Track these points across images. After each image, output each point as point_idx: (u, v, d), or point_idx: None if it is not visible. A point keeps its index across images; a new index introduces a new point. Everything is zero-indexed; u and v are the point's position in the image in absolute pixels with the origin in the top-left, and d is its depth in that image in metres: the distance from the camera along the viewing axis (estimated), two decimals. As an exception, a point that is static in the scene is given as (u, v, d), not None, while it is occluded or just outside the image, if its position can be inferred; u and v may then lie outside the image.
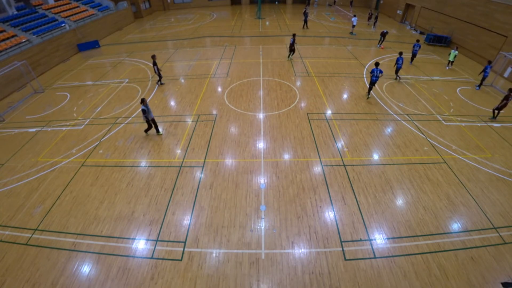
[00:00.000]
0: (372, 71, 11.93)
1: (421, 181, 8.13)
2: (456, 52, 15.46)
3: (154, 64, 13.37)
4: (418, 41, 15.88)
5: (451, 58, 15.68)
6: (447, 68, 16.14)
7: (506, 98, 10.39)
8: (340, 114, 11.48)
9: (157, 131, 10.40)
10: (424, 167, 8.66)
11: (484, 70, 13.07)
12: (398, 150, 9.40)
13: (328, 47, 19.58)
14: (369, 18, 26.38)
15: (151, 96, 13.24)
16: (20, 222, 7.22)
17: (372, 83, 12.14)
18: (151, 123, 10.07)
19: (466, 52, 18.31)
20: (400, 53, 13.60)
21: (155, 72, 13.73)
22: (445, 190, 7.82)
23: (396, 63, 13.70)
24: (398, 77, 14.41)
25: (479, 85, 13.64)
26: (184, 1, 37.39)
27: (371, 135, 10.14)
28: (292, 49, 16.59)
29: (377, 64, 11.90)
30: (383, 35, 19.10)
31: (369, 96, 12.66)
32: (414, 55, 16.20)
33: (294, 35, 16.24)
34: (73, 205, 7.65)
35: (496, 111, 10.97)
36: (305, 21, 24.54)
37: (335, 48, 19.29)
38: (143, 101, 9.50)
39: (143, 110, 9.51)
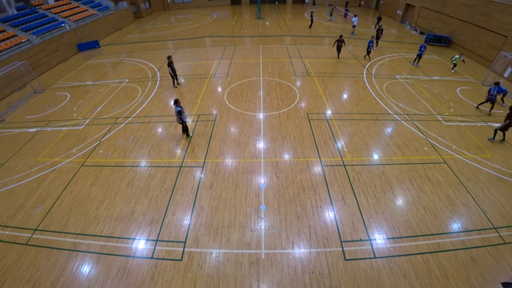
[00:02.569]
0: (489, 90, 11.01)
1: (421, 181, 8.13)
2: (460, 57, 14.97)
3: (169, 65, 13.07)
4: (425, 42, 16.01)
5: (455, 62, 15.32)
6: (453, 71, 15.69)
7: (509, 117, 9.04)
8: (340, 114, 11.48)
9: (187, 133, 10.05)
10: (424, 167, 8.66)
11: (490, 93, 11.03)
12: (398, 150, 9.40)
13: (328, 47, 19.57)
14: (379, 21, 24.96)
15: (151, 96, 13.24)
16: (20, 222, 7.22)
17: (490, 101, 11.11)
18: (186, 124, 9.76)
19: (466, 52, 18.29)
20: (372, 37, 16.96)
21: (170, 73, 13.46)
22: (445, 190, 7.82)
23: (368, 45, 16.75)
24: (368, 57, 17.38)
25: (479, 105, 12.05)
26: (184, 1, 37.39)
27: (371, 135, 10.14)
28: (339, 49, 16.73)
29: (497, 83, 10.87)
30: (378, 34, 18.87)
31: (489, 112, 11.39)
32: (419, 56, 16.02)
33: (341, 36, 16.19)
34: (73, 205, 7.65)
35: (501, 132, 9.64)
36: (311, 21, 25.15)
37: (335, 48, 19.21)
38: (176, 102, 9.10)
39: (179, 112, 9.07)
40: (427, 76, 15.09)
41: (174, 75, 13.62)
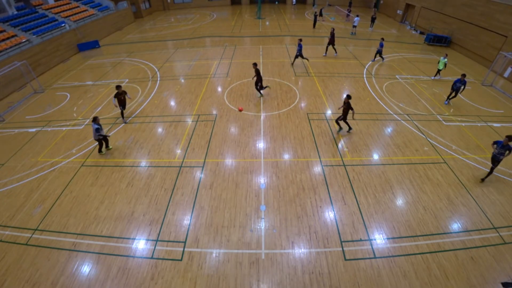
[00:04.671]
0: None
1: (421, 181, 8.13)
2: (446, 60, 13.88)
3: (116, 95, 10.42)
4: (382, 39, 15.96)
5: (440, 67, 14.07)
6: (433, 78, 14.61)
7: (348, 107, 9.39)
8: (340, 114, 11.45)
9: (107, 145, 9.54)
10: (424, 167, 8.66)
11: (454, 84, 11.59)
12: (398, 150, 9.40)
13: (328, 47, 19.52)
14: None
15: (151, 96, 13.24)
16: (20, 222, 7.22)
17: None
18: (102, 141, 9.26)
19: (466, 52, 18.33)
20: (300, 40, 15.14)
21: (114, 104, 10.64)
22: (445, 190, 7.82)
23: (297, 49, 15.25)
24: (294, 60, 16.23)
25: (448, 100, 12.27)
26: (184, 1, 37.38)
27: (371, 135, 10.14)
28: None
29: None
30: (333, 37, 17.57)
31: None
32: (378, 51, 16.11)
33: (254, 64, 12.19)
34: (73, 205, 7.65)
35: (345, 123, 10.06)
36: (315, 22, 25.26)
37: (335, 48, 19.20)
38: (95, 119, 8.67)
39: (96, 129, 8.66)
40: (427, 76, 15.08)
41: (121, 108, 10.85)
